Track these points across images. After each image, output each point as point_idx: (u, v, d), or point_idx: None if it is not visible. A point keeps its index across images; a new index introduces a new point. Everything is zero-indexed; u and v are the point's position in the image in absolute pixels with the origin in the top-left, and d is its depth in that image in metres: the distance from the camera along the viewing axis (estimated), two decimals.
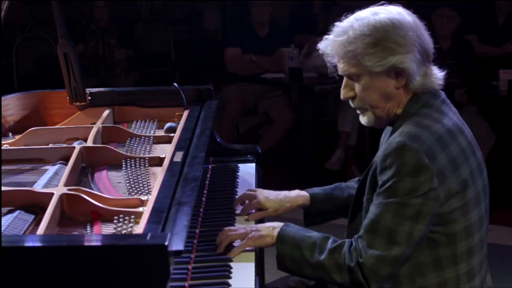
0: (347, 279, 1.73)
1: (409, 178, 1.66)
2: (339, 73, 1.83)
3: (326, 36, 1.84)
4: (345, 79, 1.83)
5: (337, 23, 1.82)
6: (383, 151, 1.73)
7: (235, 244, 1.88)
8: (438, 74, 1.81)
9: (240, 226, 1.96)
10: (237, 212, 2.14)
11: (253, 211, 2.12)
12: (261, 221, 2.11)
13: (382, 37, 1.73)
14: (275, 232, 1.85)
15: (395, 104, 1.80)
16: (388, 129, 1.88)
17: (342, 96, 1.85)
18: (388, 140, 1.76)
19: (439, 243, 1.74)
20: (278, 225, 1.87)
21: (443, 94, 1.84)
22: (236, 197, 2.23)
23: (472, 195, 1.74)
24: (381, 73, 1.75)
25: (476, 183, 1.76)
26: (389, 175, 1.69)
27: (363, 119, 1.85)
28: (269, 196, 2.12)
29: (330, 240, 1.79)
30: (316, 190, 2.16)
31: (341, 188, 2.16)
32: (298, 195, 2.14)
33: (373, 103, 1.80)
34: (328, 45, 1.82)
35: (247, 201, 2.14)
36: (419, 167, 1.66)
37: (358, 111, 1.86)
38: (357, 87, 1.80)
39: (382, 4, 1.82)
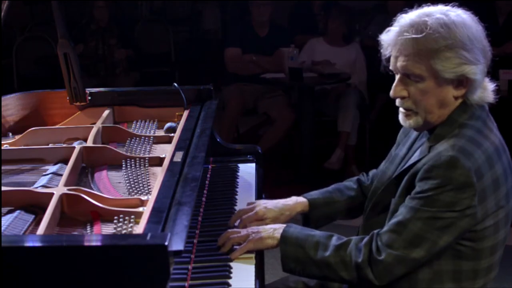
0: (355, 276, 1.72)
1: (452, 192, 1.63)
2: (393, 69, 1.74)
3: (390, 28, 1.73)
4: (400, 76, 1.74)
5: (403, 15, 1.72)
6: (433, 161, 1.66)
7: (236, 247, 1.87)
8: (490, 87, 1.79)
9: (242, 229, 1.95)
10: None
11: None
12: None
13: (459, 43, 1.65)
14: (277, 234, 1.84)
15: (446, 113, 1.73)
16: (421, 134, 1.84)
17: (392, 94, 1.75)
18: (437, 150, 1.69)
19: (464, 256, 1.72)
20: (279, 226, 1.86)
21: (487, 107, 1.80)
22: (236, 197, 2.23)
23: (504, 214, 1.73)
24: (448, 81, 1.68)
25: (509, 204, 1.74)
26: (433, 185, 1.65)
27: (407, 121, 1.77)
28: (267, 205, 2.05)
29: (334, 238, 1.78)
30: (315, 194, 2.12)
31: (340, 190, 2.14)
32: (297, 202, 2.10)
33: (428, 108, 1.72)
34: (395, 38, 1.70)
35: (244, 217, 2.02)
36: (467, 184, 1.62)
37: (403, 111, 1.77)
38: (414, 88, 1.71)
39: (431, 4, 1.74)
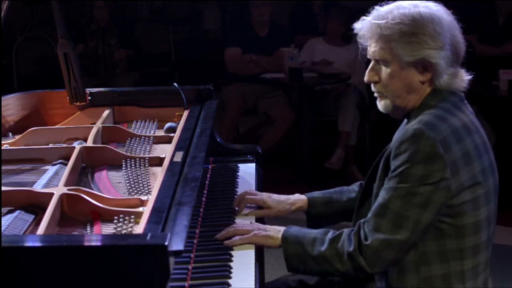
0: (349, 266, 1.74)
1: (422, 165, 1.68)
2: (369, 56, 1.85)
3: (363, 17, 1.84)
4: (372, 62, 1.85)
5: (376, 7, 1.83)
6: (400, 137, 1.74)
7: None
8: (465, 77, 1.84)
9: (248, 223, 1.98)
10: (237, 209, 2.14)
11: (254, 207, 2.15)
12: (260, 220, 2.12)
13: (419, 29, 1.74)
14: (280, 235, 1.87)
15: (416, 97, 1.81)
16: (405, 122, 1.90)
17: (365, 79, 1.86)
18: (405, 127, 1.77)
19: (447, 235, 1.75)
20: (283, 228, 1.90)
21: (461, 94, 1.86)
22: (236, 197, 2.23)
23: (483, 192, 1.76)
24: (410, 64, 1.77)
25: (487, 181, 1.78)
26: (403, 160, 1.70)
27: (380, 104, 1.87)
28: (271, 196, 2.17)
29: (330, 232, 1.82)
30: (316, 194, 2.18)
31: (341, 192, 2.17)
32: (298, 198, 2.17)
33: (396, 92, 1.81)
34: (365, 26, 1.82)
35: (247, 196, 2.15)
36: (434, 155, 1.67)
37: (376, 95, 1.87)
38: (384, 73, 1.81)
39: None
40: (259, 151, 2.64)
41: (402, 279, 1.78)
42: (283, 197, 2.18)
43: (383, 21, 1.77)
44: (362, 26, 1.83)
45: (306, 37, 5.72)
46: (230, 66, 5.55)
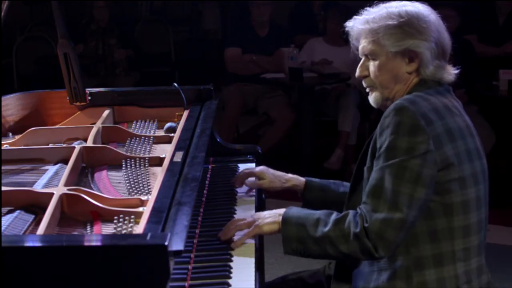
0: (356, 247, 1.74)
1: (406, 137, 1.72)
2: (360, 54, 1.93)
3: (354, 17, 1.93)
4: (363, 58, 1.92)
5: (367, 8, 1.91)
6: (384, 114, 1.80)
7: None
8: (451, 70, 1.89)
9: (247, 216, 1.99)
10: (237, 190, 2.24)
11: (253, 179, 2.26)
12: (261, 208, 2.17)
13: (404, 23, 1.82)
14: (280, 218, 1.88)
15: (404, 88, 1.87)
16: None
17: (356, 74, 1.94)
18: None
19: (436, 213, 1.76)
20: (283, 211, 1.90)
21: (449, 87, 1.91)
22: (236, 197, 2.24)
23: (470, 172, 1.78)
24: (396, 54, 1.84)
25: (474, 163, 1.80)
26: (387, 134, 1.75)
27: (371, 98, 1.95)
28: (269, 169, 2.26)
29: (334, 214, 1.82)
30: (314, 179, 2.26)
31: (338, 184, 2.23)
32: (294, 177, 2.26)
33: (383, 84, 1.88)
34: (355, 24, 1.92)
35: (245, 170, 2.29)
36: (416, 127, 1.72)
37: (367, 90, 1.95)
38: (372, 66, 1.89)
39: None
40: (259, 151, 2.64)
41: (392, 261, 1.79)
42: (279, 172, 2.25)
43: (371, 17, 1.87)
44: (353, 24, 1.92)
45: (306, 37, 5.73)
46: (230, 66, 5.56)
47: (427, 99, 1.79)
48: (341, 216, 1.79)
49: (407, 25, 1.82)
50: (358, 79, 1.96)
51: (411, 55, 1.83)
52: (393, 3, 1.90)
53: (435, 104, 1.79)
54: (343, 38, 2.04)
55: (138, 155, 2.18)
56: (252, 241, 1.91)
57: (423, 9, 1.87)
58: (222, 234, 1.91)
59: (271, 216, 1.90)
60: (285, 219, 1.86)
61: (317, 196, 2.20)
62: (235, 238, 1.90)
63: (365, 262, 1.86)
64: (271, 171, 2.25)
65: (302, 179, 2.24)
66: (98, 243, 1.43)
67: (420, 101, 1.77)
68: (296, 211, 1.88)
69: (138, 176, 2.02)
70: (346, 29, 1.95)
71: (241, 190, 2.30)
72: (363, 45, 1.90)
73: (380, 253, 1.72)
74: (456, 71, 1.90)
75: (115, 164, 2.12)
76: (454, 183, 1.75)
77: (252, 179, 2.27)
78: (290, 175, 2.25)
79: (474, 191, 1.79)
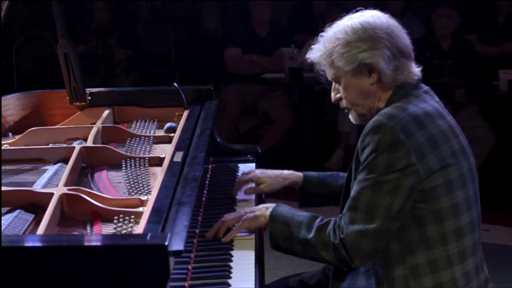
0: (333, 256, 1.77)
1: (386, 154, 1.72)
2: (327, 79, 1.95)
3: (311, 45, 1.94)
4: (333, 83, 1.94)
5: (321, 33, 1.92)
6: (364, 131, 1.79)
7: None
8: (413, 69, 1.87)
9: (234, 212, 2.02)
10: (237, 196, 2.22)
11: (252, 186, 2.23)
12: (259, 201, 2.20)
13: (351, 39, 1.83)
14: (268, 212, 1.90)
15: (375, 100, 1.87)
16: None
17: (332, 99, 1.96)
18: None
19: (426, 221, 1.76)
20: (271, 205, 1.93)
21: (425, 87, 1.90)
22: (236, 197, 2.24)
23: (457, 175, 1.78)
24: (354, 71, 1.84)
25: (460, 164, 1.80)
26: (368, 153, 1.75)
27: (350, 118, 1.96)
28: (264, 171, 2.24)
29: (318, 219, 1.84)
30: (312, 173, 2.26)
31: (336, 177, 2.25)
32: (292, 173, 2.24)
33: (354, 102, 1.89)
34: (313, 53, 1.92)
35: (242, 177, 2.26)
36: (395, 142, 1.72)
37: (346, 111, 1.96)
38: (340, 89, 1.90)
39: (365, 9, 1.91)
40: (259, 151, 2.64)
41: (389, 272, 1.79)
42: (276, 172, 2.24)
43: (322, 42, 1.88)
44: (312, 54, 1.92)
45: (306, 37, 5.72)
46: (230, 66, 5.55)
47: (405, 109, 1.78)
48: (324, 223, 1.82)
49: (354, 40, 1.82)
50: (334, 103, 1.97)
51: (368, 67, 1.83)
52: (340, 21, 1.89)
53: (414, 113, 1.78)
54: None
55: (138, 155, 2.18)
56: (252, 240, 1.91)
57: (370, 17, 1.85)
58: (211, 233, 1.92)
59: (258, 210, 1.93)
60: (273, 216, 1.89)
61: (316, 190, 2.22)
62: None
63: (361, 270, 1.87)
64: (268, 172, 2.24)
65: (300, 174, 2.24)
66: (98, 243, 1.43)
67: (398, 113, 1.77)
68: (284, 209, 1.90)
69: (138, 176, 2.02)
70: (308, 61, 1.94)
71: (241, 190, 2.30)
72: (327, 72, 1.91)
73: (356, 263, 1.76)
74: (418, 68, 1.88)
75: (115, 164, 2.13)
76: (440, 188, 1.75)
77: (251, 185, 2.25)
78: (286, 171, 2.25)
79: (462, 193, 1.79)
